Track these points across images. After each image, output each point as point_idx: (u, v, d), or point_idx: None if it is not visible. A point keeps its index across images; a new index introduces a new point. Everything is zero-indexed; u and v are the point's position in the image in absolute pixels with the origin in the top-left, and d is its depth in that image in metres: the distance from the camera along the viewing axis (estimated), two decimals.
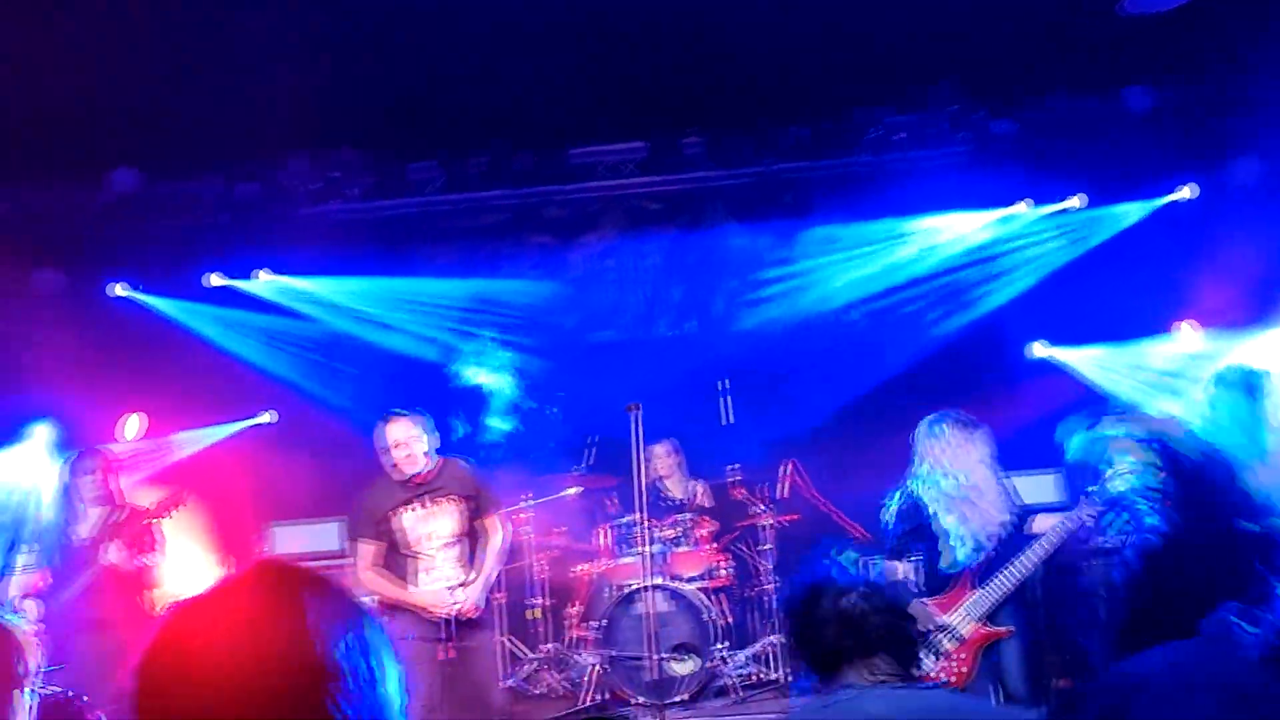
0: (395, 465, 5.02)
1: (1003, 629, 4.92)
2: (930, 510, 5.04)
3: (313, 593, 1.16)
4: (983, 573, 4.94)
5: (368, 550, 5.06)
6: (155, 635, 1.14)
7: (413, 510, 5.03)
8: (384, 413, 5.12)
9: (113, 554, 5.41)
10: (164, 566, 5.79)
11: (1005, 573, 4.88)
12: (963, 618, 4.95)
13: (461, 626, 4.91)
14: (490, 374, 8.30)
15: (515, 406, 8.15)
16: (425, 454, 5.07)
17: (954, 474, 5.00)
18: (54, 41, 6.01)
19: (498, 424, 8.07)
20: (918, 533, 5.12)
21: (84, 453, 5.83)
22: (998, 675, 4.96)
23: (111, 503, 5.71)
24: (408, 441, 5.01)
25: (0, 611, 5.23)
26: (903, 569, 5.24)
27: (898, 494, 5.20)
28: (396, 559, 5.04)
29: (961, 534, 4.97)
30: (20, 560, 5.62)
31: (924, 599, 5.05)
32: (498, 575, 6.82)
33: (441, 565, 5.01)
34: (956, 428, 5.07)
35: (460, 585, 4.96)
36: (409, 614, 4.95)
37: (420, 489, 5.06)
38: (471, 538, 5.13)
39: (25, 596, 5.42)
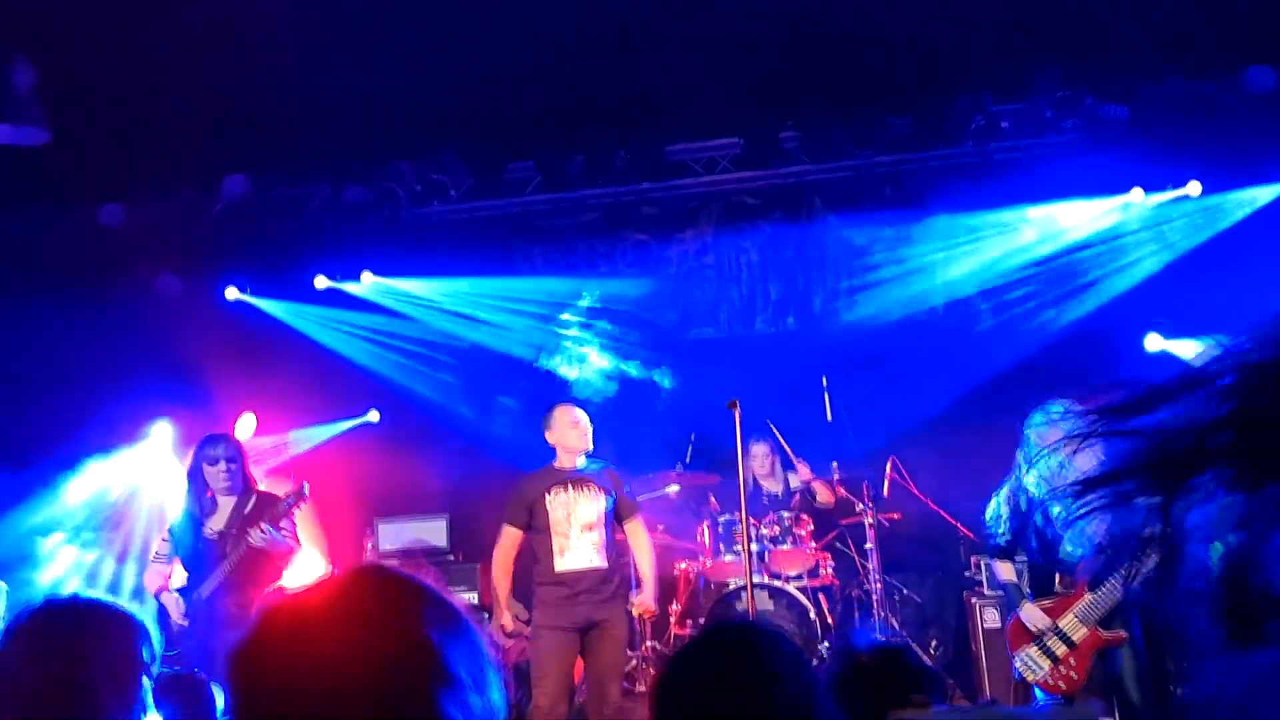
0: (575, 438, 5.60)
1: (1117, 634, 4.75)
2: (1042, 506, 4.88)
3: (422, 597, 1.16)
4: (1099, 575, 4.77)
5: (511, 534, 5.58)
6: (255, 628, 1.14)
7: (563, 492, 5.51)
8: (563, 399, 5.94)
9: (257, 537, 5.20)
10: (298, 558, 5.71)
11: (1119, 575, 4.71)
12: (1075, 622, 4.79)
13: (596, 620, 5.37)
14: (589, 371, 8.35)
15: (614, 404, 8.18)
16: (589, 439, 5.65)
17: (1072, 467, 4.81)
18: (166, 54, 6.25)
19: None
20: (1028, 530, 4.96)
21: (212, 439, 5.59)
22: (1114, 684, 4.78)
23: (245, 490, 5.51)
24: (580, 422, 5.62)
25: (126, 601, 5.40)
26: (1012, 568, 5.10)
27: (1005, 488, 5.05)
28: (541, 537, 5.49)
29: (1075, 532, 4.80)
30: (153, 551, 5.63)
31: (1035, 600, 4.91)
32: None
33: (579, 547, 5.44)
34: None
35: (642, 606, 5.64)
36: (548, 605, 5.37)
37: (572, 474, 5.57)
38: (608, 528, 5.55)
39: (160, 590, 5.35)
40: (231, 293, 8.43)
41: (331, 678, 1.07)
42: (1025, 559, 5.09)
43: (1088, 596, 4.78)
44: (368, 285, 8.52)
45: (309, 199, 8.41)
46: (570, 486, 5.53)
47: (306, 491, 5.46)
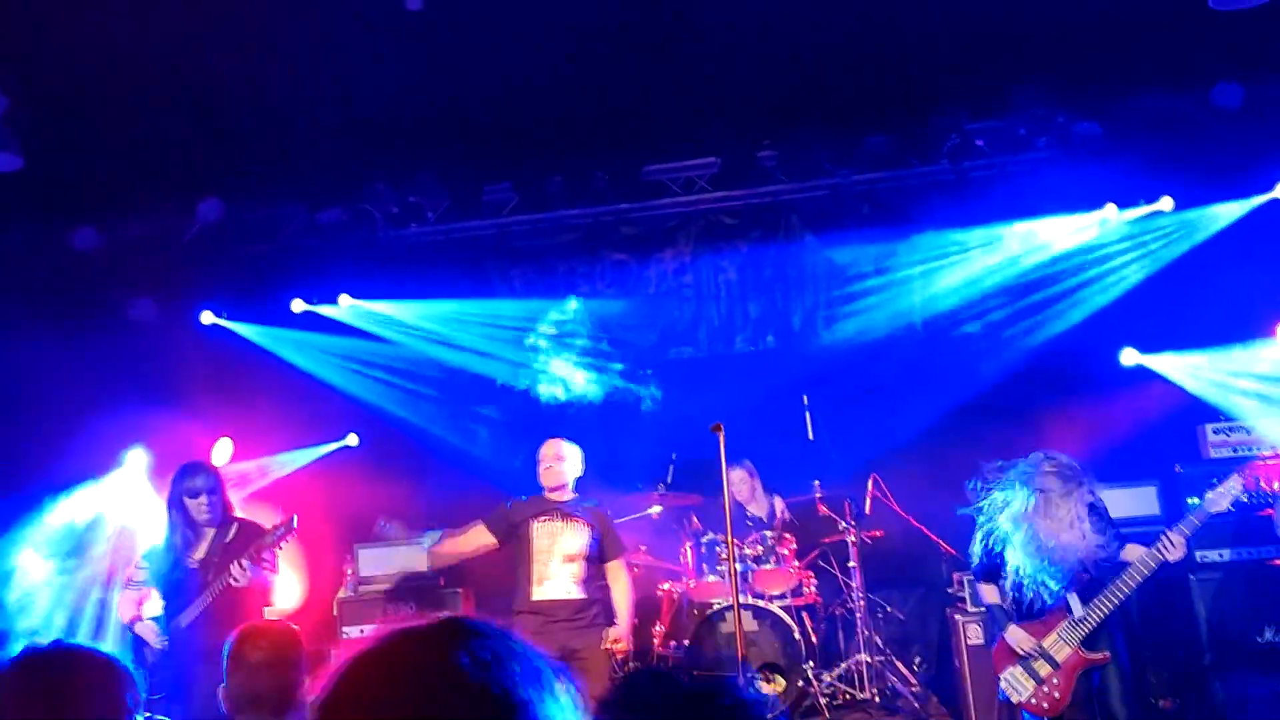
0: (541, 473, 5.69)
1: (1099, 654, 4.79)
2: (1009, 549, 4.93)
3: (513, 654, 1.13)
4: (1080, 597, 4.81)
5: (480, 533, 5.71)
6: (339, 679, 1.11)
7: (550, 521, 5.59)
8: (549, 436, 5.88)
9: (238, 574, 5.11)
10: (277, 587, 5.74)
11: (1101, 598, 4.76)
12: (1059, 642, 4.82)
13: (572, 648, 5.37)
14: (569, 392, 8.33)
15: (595, 425, 8.15)
16: (567, 474, 5.71)
17: (1036, 525, 4.83)
18: (139, 76, 6.19)
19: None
20: (1004, 564, 5.01)
21: (190, 470, 5.47)
22: (1099, 699, 4.82)
23: (224, 520, 5.45)
24: (556, 458, 5.69)
25: (106, 641, 5.30)
26: (995, 591, 5.13)
27: (980, 530, 5.09)
28: (521, 565, 5.57)
29: (1041, 576, 4.83)
30: (126, 579, 5.53)
31: (1019, 623, 4.93)
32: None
33: (557, 576, 5.50)
34: (1053, 478, 4.87)
35: (614, 640, 5.55)
36: (524, 634, 5.14)
37: (561, 506, 5.66)
38: (589, 562, 5.60)
39: (134, 619, 5.29)
40: (207, 317, 8.36)
41: None
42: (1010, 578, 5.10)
43: (1070, 618, 4.82)
44: (345, 308, 8.46)
45: (284, 221, 8.35)
46: (559, 517, 5.62)
47: (295, 524, 5.37)
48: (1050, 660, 4.83)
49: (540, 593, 5.46)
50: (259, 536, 5.33)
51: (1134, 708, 4.90)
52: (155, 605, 5.38)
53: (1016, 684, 4.88)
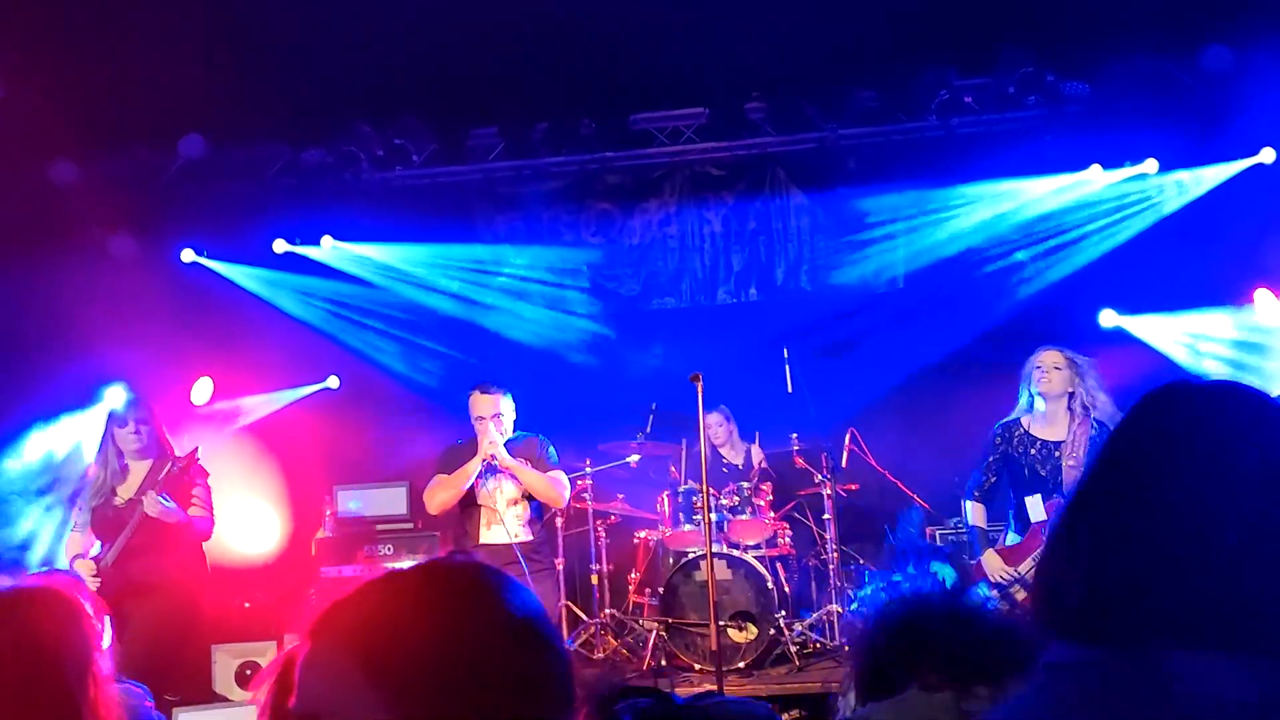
0: (475, 426, 5.43)
1: None
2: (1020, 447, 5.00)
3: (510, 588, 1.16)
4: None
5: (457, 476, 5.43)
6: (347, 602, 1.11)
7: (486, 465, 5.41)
8: (474, 384, 5.57)
9: (150, 505, 5.04)
10: (218, 522, 5.56)
11: None
12: (1034, 568, 4.88)
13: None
14: (551, 339, 8.34)
15: (574, 374, 8.18)
16: (503, 426, 5.43)
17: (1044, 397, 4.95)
18: (120, 6, 6.09)
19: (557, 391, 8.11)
20: (1004, 469, 5.05)
21: (124, 404, 5.36)
22: None
23: (157, 455, 5.35)
24: (489, 418, 5.38)
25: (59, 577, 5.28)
26: (983, 513, 5.15)
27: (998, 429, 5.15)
28: (468, 510, 5.49)
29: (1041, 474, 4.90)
30: (74, 521, 5.45)
31: (997, 548, 4.98)
32: (559, 540, 6.98)
33: (508, 522, 5.39)
34: (1054, 353, 5.01)
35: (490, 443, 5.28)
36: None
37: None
38: (534, 502, 5.51)
39: (76, 557, 5.20)
40: (188, 255, 8.29)
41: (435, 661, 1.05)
42: (967, 527, 5.17)
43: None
44: (328, 250, 8.42)
45: (267, 161, 8.26)
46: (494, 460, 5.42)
47: (198, 455, 5.28)
48: (1027, 586, 4.84)
49: (489, 536, 5.41)
50: (184, 472, 5.23)
51: None
52: (75, 545, 5.29)
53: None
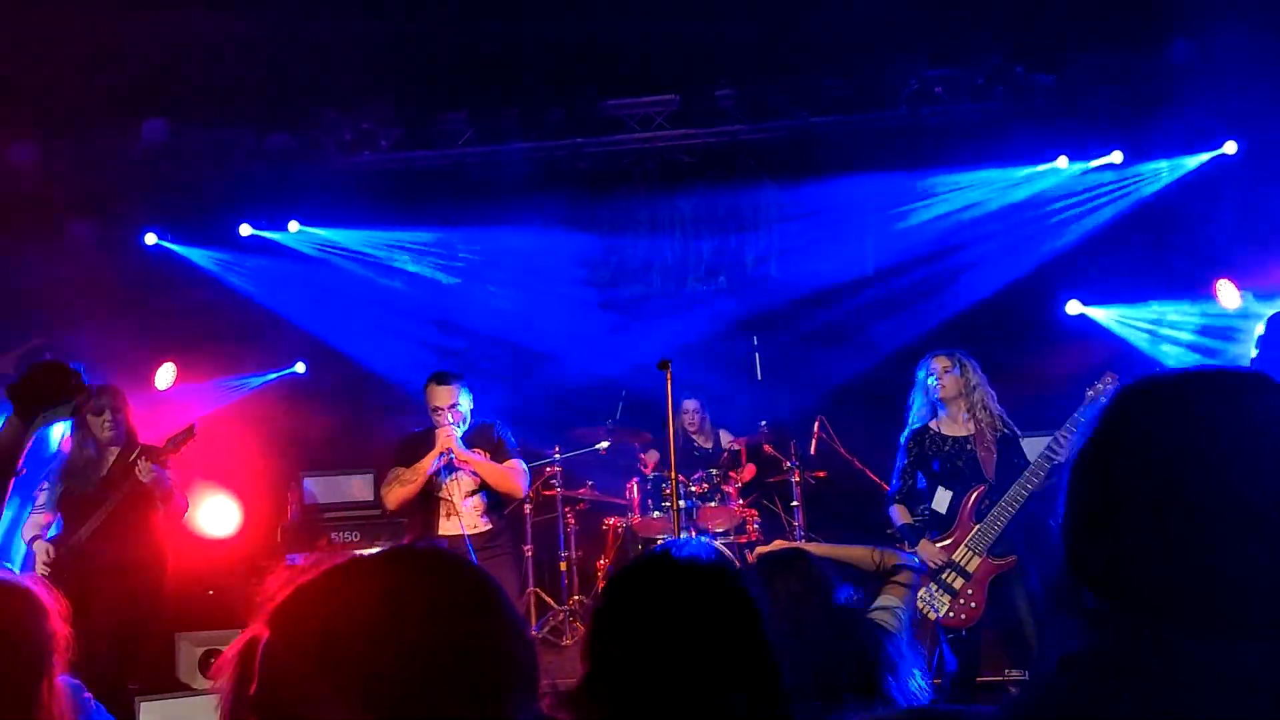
0: (433, 418, 5.36)
1: (1007, 559, 4.93)
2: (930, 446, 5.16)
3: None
4: (982, 506, 4.96)
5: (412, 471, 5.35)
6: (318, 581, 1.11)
7: (444, 459, 5.33)
8: (432, 373, 5.45)
9: (144, 472, 5.16)
10: (191, 507, 5.70)
11: (1002, 504, 4.90)
12: (967, 553, 4.95)
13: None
14: (520, 327, 8.31)
15: (544, 360, 8.16)
16: (461, 416, 5.35)
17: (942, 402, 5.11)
18: None
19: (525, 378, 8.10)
20: (923, 465, 5.16)
21: (95, 389, 5.36)
22: (1026, 602, 4.96)
23: (128, 442, 5.44)
24: (445, 408, 5.30)
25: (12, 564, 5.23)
26: (908, 512, 5.24)
27: (907, 437, 5.31)
28: (427, 501, 5.40)
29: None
30: (39, 500, 5.42)
31: (931, 539, 5.07)
32: (527, 527, 6.96)
33: (466, 513, 5.33)
34: (942, 359, 5.23)
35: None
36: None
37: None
38: (488, 492, 5.43)
39: (35, 539, 5.23)
40: (151, 239, 8.18)
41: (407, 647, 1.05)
42: (925, 508, 5.25)
43: (975, 527, 4.95)
44: (294, 234, 8.33)
45: (232, 145, 8.15)
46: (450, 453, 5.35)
47: (194, 432, 5.40)
48: (962, 572, 4.94)
49: (448, 527, 5.33)
50: (183, 446, 5.38)
51: (1040, 607, 4.99)
52: (34, 526, 5.30)
53: (933, 601, 4.98)
